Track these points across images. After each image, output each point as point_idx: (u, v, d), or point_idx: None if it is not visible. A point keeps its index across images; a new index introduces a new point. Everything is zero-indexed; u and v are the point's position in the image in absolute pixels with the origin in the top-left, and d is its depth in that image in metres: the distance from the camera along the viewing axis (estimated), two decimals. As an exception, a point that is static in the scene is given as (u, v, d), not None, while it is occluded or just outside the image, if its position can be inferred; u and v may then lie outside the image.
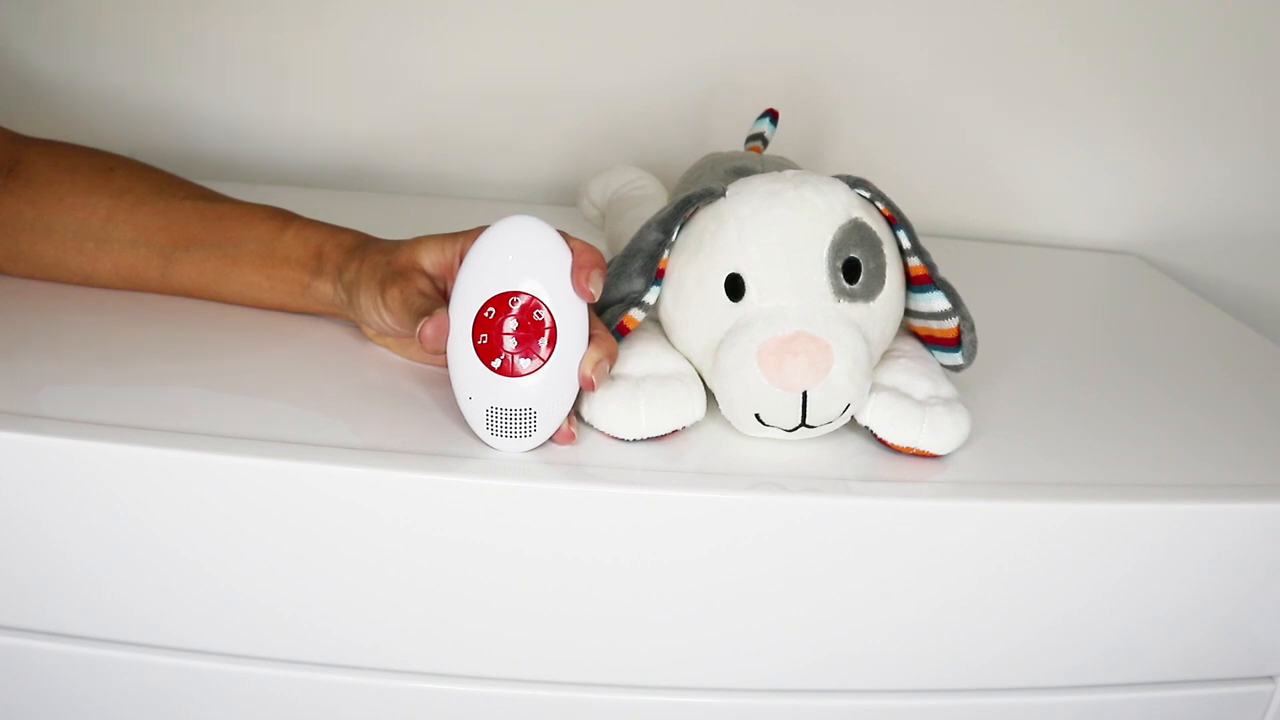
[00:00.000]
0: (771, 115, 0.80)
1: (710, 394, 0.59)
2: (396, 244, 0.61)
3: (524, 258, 0.54)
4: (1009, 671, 0.61)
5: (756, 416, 0.57)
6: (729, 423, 0.59)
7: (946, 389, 0.60)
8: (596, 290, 0.54)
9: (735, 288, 0.57)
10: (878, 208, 0.60)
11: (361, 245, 0.63)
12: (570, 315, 0.54)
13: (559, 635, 0.58)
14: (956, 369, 0.63)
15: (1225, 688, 0.64)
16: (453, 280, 0.57)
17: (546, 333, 0.54)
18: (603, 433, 0.58)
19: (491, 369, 0.54)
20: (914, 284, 0.61)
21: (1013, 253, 1.01)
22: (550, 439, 0.56)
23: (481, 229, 0.56)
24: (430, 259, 0.59)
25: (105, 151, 0.70)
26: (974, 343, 0.61)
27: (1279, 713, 0.65)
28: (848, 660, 0.60)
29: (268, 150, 0.98)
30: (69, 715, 0.58)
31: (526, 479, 0.54)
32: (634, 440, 0.58)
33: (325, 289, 0.64)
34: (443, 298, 0.58)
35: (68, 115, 0.96)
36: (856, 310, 0.57)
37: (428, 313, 0.54)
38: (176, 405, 0.57)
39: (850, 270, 0.57)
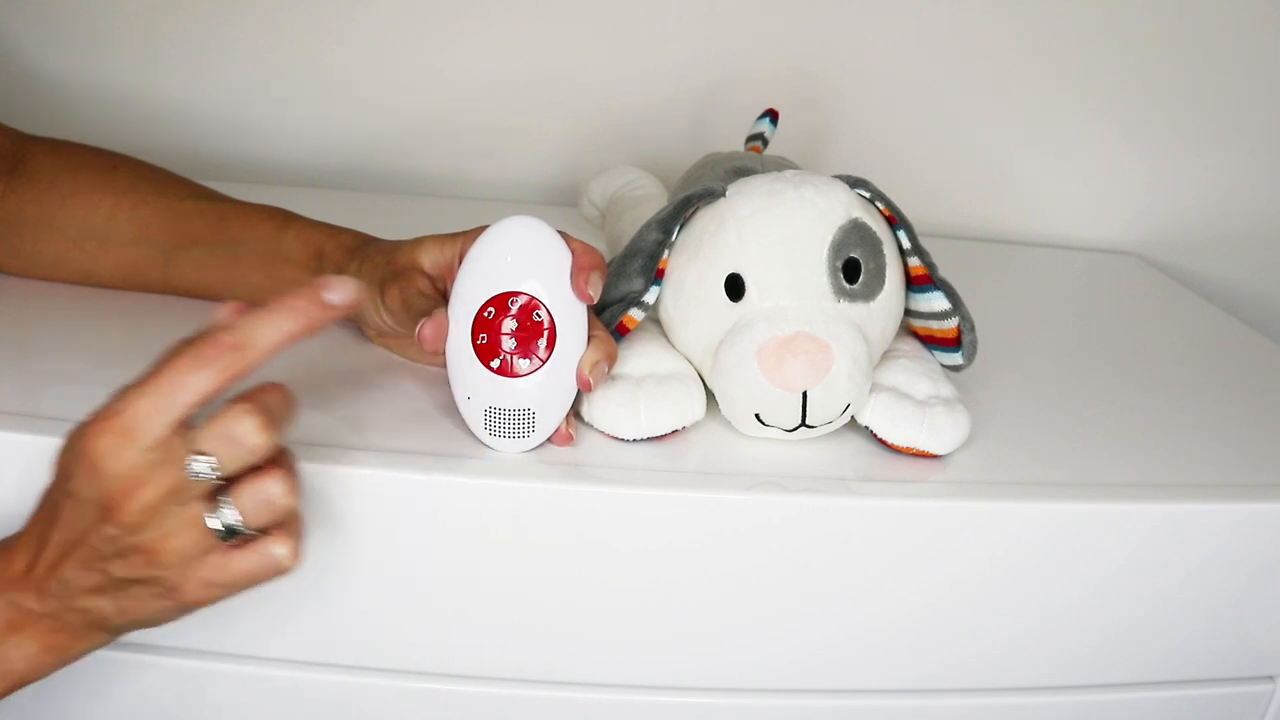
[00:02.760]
0: (771, 115, 0.80)
1: (710, 394, 0.59)
2: (396, 244, 0.61)
3: (523, 258, 0.54)
4: (1008, 671, 0.61)
5: (756, 416, 0.57)
6: (729, 423, 0.59)
7: (946, 389, 0.60)
8: (596, 292, 0.54)
9: (735, 288, 0.57)
10: (878, 208, 0.60)
11: (362, 245, 0.63)
12: (569, 316, 0.54)
13: (559, 635, 0.58)
14: (956, 369, 0.63)
15: (1225, 688, 0.64)
16: (452, 280, 0.57)
17: (545, 333, 0.54)
18: (603, 433, 0.58)
19: (490, 369, 0.54)
20: (914, 284, 0.61)
21: (1013, 253, 1.01)
22: (548, 440, 0.56)
23: (481, 229, 0.56)
24: (430, 259, 0.59)
25: (108, 150, 0.70)
26: (974, 343, 0.61)
27: (1279, 713, 0.65)
28: (847, 660, 0.60)
29: (269, 150, 0.98)
30: (69, 715, 0.58)
31: (526, 479, 0.54)
32: (634, 440, 0.58)
33: (326, 289, 0.64)
34: (442, 298, 0.58)
35: (70, 115, 0.96)
36: (856, 310, 0.57)
37: (427, 313, 0.54)
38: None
39: (850, 270, 0.57)
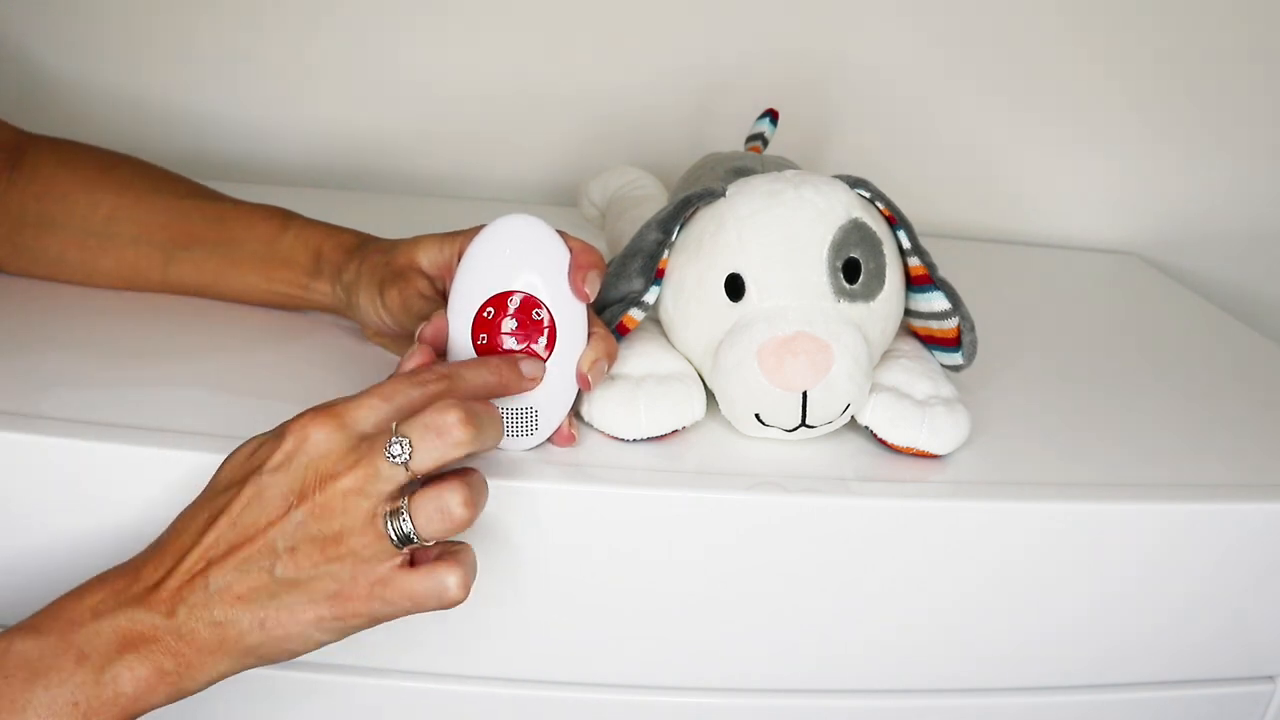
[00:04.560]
0: (771, 115, 0.80)
1: (710, 394, 0.59)
2: (395, 244, 0.61)
3: (522, 256, 0.54)
4: (1008, 671, 0.61)
5: (756, 416, 0.57)
6: (729, 423, 0.59)
7: (946, 389, 0.60)
8: (594, 291, 0.54)
9: (735, 288, 0.57)
10: (878, 208, 0.60)
11: (361, 245, 0.63)
12: (569, 314, 0.54)
13: (558, 635, 0.58)
14: (956, 369, 0.63)
15: (1225, 688, 0.64)
16: (451, 280, 0.57)
17: (545, 332, 0.54)
18: (603, 433, 0.58)
19: (491, 369, 0.54)
20: (914, 284, 0.61)
21: (1013, 253, 1.01)
22: (550, 439, 0.56)
23: (479, 228, 0.56)
24: (428, 259, 0.59)
25: (109, 149, 0.70)
26: (974, 343, 0.61)
27: (1279, 713, 0.65)
28: (848, 660, 0.60)
29: (268, 150, 0.98)
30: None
31: (526, 479, 0.54)
32: (634, 440, 0.58)
33: (325, 289, 0.64)
34: (441, 298, 0.58)
35: (71, 113, 0.96)
36: (856, 310, 0.57)
37: (426, 315, 0.54)
38: (176, 405, 0.57)
39: (850, 270, 0.57)
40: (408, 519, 0.45)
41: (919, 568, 0.57)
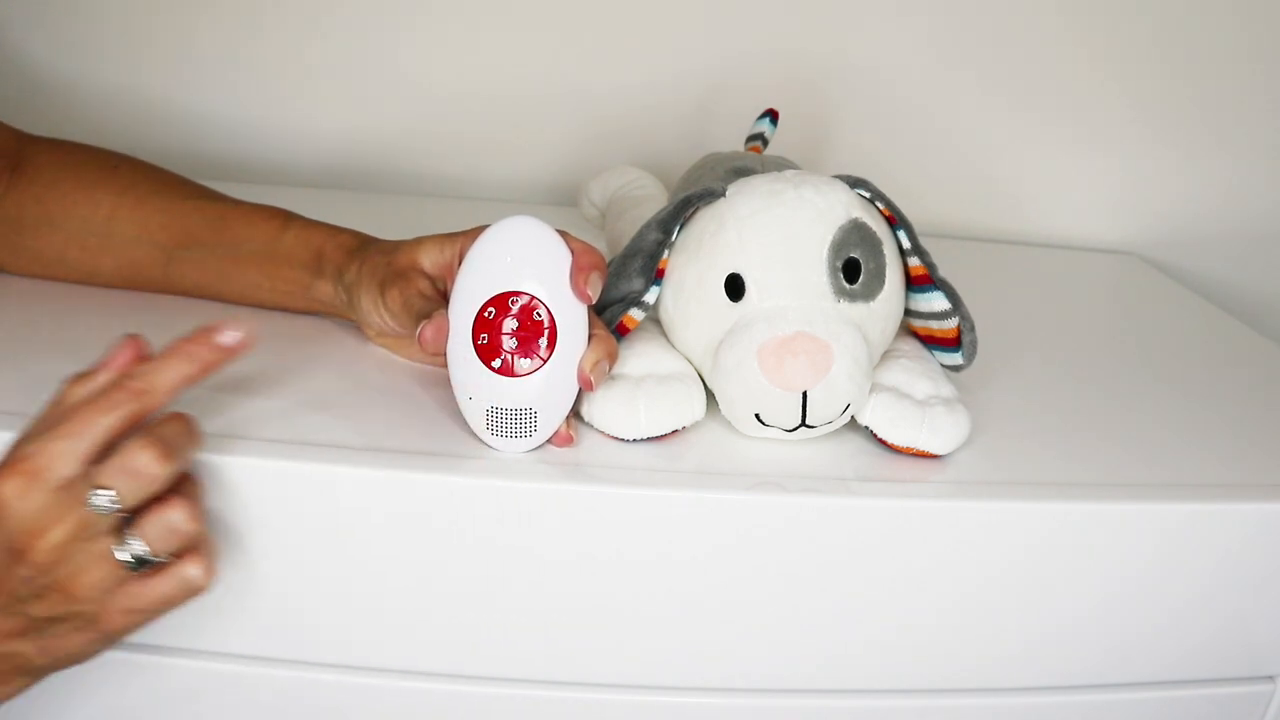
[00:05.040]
0: (771, 115, 0.80)
1: (710, 394, 0.59)
2: (396, 244, 0.61)
3: (523, 258, 0.54)
4: (1008, 672, 0.61)
5: (756, 416, 0.57)
6: (729, 423, 0.59)
7: (946, 389, 0.60)
8: (595, 292, 0.54)
9: (735, 288, 0.57)
10: (878, 208, 0.60)
11: (361, 246, 0.63)
12: (570, 315, 0.54)
13: (558, 635, 0.58)
14: (956, 369, 0.63)
15: (1225, 688, 0.64)
16: (452, 280, 0.57)
17: (546, 333, 0.54)
18: (603, 433, 0.58)
19: (491, 369, 0.54)
20: (914, 284, 0.61)
21: (1013, 253, 1.01)
22: (549, 441, 0.56)
23: (481, 229, 0.56)
24: (429, 259, 0.59)
25: (110, 150, 0.70)
26: (974, 343, 0.61)
27: (1279, 713, 0.65)
28: (848, 660, 0.60)
29: (268, 150, 0.98)
30: (69, 715, 0.58)
31: (526, 479, 0.54)
32: (634, 440, 0.58)
33: (326, 289, 0.64)
34: (442, 298, 0.58)
35: (71, 114, 0.96)
36: (856, 310, 0.57)
37: (427, 314, 0.55)
38: (176, 405, 0.57)
39: (850, 270, 0.57)
40: (140, 544, 0.46)
41: (919, 568, 0.57)
